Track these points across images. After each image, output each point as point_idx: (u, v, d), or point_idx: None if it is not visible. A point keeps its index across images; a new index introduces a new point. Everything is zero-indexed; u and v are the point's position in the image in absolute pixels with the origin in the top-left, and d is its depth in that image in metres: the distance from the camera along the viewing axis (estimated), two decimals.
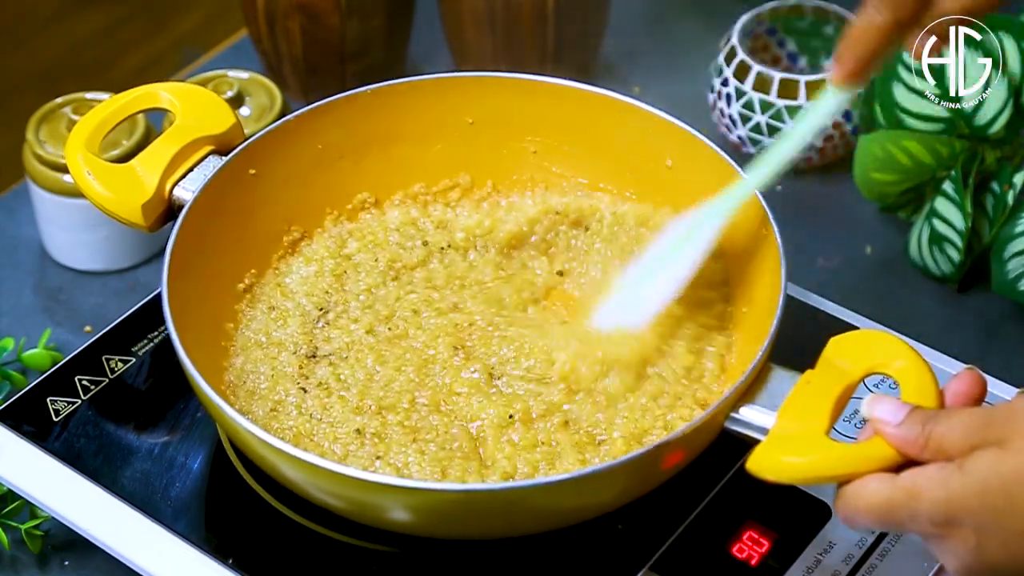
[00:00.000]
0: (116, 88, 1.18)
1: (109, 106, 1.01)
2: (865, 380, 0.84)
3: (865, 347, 0.83)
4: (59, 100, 1.16)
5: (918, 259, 1.16)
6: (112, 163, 0.99)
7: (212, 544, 0.89)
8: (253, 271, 1.00)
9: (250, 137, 1.00)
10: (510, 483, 0.86)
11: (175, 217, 0.95)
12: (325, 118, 1.02)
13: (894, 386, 0.82)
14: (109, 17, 1.81)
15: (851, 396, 0.82)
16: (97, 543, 0.91)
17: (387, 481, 0.82)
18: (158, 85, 1.02)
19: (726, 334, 0.96)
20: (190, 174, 0.98)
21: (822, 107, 0.90)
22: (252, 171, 1.00)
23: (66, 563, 0.97)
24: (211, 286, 0.96)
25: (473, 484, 0.86)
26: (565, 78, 1.03)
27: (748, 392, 0.84)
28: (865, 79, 0.88)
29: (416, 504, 0.82)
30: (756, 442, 0.82)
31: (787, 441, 0.80)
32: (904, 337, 0.99)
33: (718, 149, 0.97)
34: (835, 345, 0.83)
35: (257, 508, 0.91)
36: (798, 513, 0.90)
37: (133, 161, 0.98)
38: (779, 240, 0.91)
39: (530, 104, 1.03)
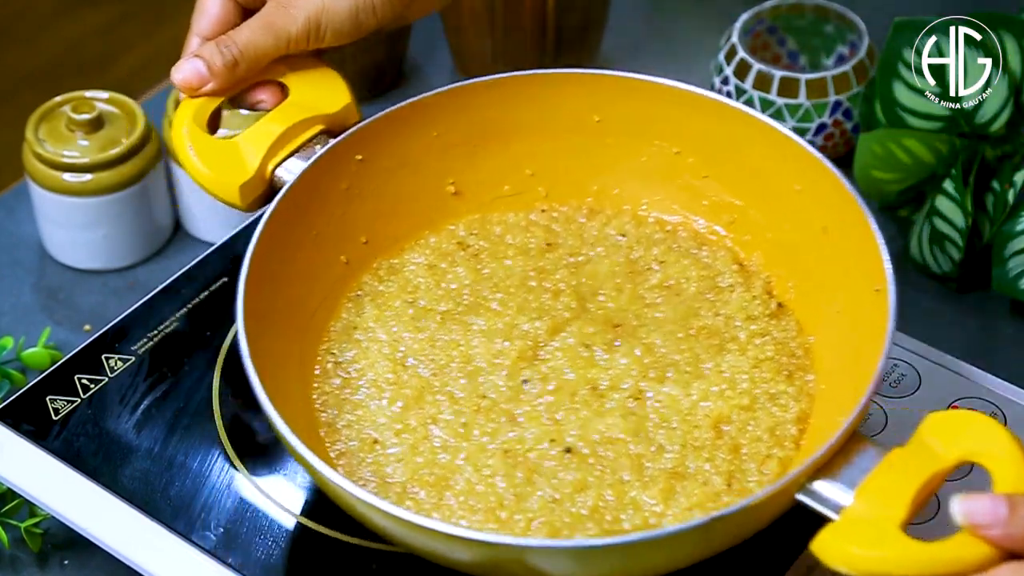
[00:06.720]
0: (116, 86, 1.19)
1: None
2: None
3: (961, 429, 0.76)
4: (59, 99, 1.16)
5: (918, 257, 1.16)
6: (217, 139, 0.94)
7: (212, 543, 0.89)
8: (348, 264, 0.96)
9: (363, 120, 0.95)
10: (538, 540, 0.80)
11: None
12: (444, 105, 0.96)
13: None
14: (109, 15, 1.81)
15: (940, 484, 0.76)
16: (96, 542, 0.90)
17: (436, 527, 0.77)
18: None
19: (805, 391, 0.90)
20: (295, 156, 0.94)
21: None
22: (359, 157, 0.95)
23: (66, 562, 0.97)
24: (301, 276, 0.93)
25: (505, 537, 0.80)
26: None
27: (827, 465, 0.77)
28: None
29: (460, 552, 0.79)
30: (826, 519, 0.76)
31: (859, 527, 0.74)
32: (904, 336, 0.99)
33: (842, 178, 0.90)
34: (930, 423, 0.77)
35: (257, 507, 0.91)
36: (799, 513, 0.90)
37: (238, 137, 0.94)
38: (892, 299, 0.86)
39: (664, 110, 0.98)
